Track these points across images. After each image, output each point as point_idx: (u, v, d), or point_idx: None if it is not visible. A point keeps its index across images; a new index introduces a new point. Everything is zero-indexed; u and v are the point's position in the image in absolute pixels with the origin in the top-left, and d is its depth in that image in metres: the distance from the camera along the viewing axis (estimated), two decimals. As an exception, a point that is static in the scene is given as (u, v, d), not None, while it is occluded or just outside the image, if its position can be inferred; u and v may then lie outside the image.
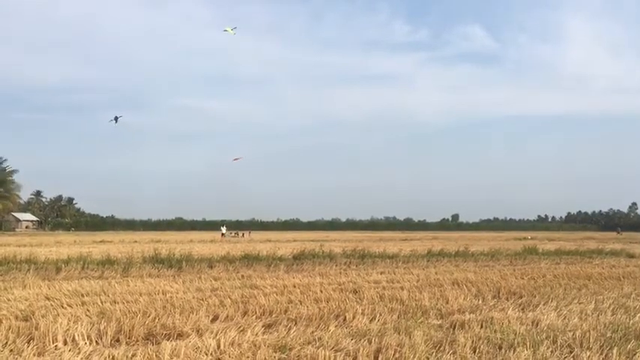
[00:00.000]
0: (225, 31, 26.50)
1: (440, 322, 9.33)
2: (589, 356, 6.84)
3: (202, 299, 11.19)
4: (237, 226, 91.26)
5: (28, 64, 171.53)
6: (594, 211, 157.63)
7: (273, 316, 9.67)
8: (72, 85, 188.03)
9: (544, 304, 10.99)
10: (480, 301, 11.43)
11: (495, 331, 8.20)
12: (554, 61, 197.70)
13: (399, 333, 8.01)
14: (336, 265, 19.05)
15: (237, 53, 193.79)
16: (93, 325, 8.42)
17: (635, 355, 6.98)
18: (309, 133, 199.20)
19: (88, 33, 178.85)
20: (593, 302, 11.22)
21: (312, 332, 8.17)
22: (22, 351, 6.96)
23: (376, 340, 7.56)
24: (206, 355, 6.90)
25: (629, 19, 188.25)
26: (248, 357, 6.74)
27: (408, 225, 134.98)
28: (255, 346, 7.25)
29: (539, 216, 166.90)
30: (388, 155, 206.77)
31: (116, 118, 27.89)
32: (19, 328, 8.21)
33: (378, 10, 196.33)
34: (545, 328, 8.54)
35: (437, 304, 10.89)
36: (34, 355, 6.88)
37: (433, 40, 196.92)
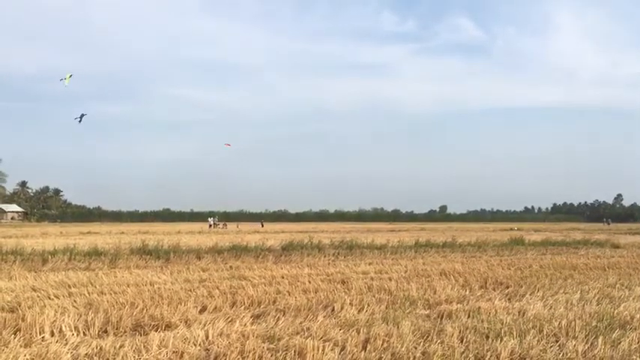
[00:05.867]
0: (63, 79, 25.11)
1: (427, 312, 9.40)
2: (574, 345, 6.92)
3: (190, 290, 11.17)
4: (224, 217, 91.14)
5: (14, 51, 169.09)
6: (580, 203, 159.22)
7: (262, 306, 9.68)
8: (59, 73, 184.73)
9: (530, 294, 11.11)
10: (467, 292, 11.51)
11: (482, 321, 8.28)
12: (541, 54, 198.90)
13: (387, 323, 8.06)
14: (325, 256, 19.10)
15: (225, 42, 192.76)
16: (80, 316, 8.37)
17: (619, 343, 7.08)
18: (297, 123, 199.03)
19: (76, 21, 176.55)
20: (579, 292, 11.36)
21: (301, 323, 8.19)
22: (9, 342, 6.89)
23: (364, 330, 7.60)
24: (194, 345, 6.89)
25: (616, 11, 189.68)
26: (236, 347, 6.73)
27: (396, 216, 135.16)
28: (243, 336, 7.25)
29: (525, 207, 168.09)
30: (376, 146, 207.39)
31: (81, 117, 26.81)
32: (5, 319, 8.14)
33: (367, 0, 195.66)
34: (531, 317, 8.63)
35: (424, 294, 10.96)
36: (20, 346, 6.81)
37: (422, 31, 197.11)
